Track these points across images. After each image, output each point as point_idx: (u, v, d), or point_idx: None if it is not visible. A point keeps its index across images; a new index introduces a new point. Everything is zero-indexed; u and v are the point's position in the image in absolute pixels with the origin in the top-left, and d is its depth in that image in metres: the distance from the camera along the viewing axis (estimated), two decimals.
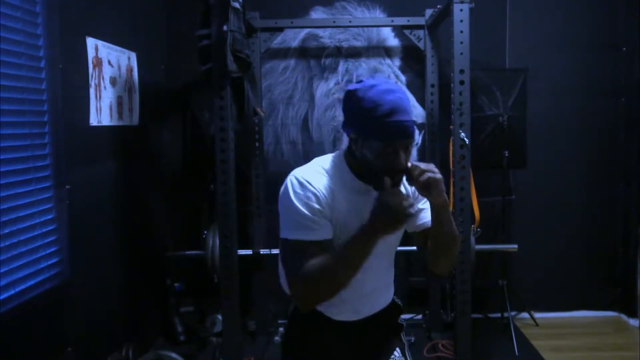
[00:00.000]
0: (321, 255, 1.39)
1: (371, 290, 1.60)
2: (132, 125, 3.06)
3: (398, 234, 1.60)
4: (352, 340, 1.63)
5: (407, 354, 1.73)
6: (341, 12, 3.65)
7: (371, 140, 1.41)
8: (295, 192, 1.43)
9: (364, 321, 1.62)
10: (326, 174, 1.48)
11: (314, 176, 1.46)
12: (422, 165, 1.41)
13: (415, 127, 1.49)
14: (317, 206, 1.42)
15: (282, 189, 1.48)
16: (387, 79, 1.54)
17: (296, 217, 1.41)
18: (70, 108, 2.35)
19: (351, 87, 1.46)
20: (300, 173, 1.47)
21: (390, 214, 1.32)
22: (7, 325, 1.88)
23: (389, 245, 1.58)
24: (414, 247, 3.35)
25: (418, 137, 3.70)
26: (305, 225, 1.41)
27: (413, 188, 1.50)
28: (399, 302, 1.75)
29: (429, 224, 1.53)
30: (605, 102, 3.74)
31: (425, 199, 1.50)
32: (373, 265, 1.48)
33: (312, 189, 1.42)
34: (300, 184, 1.43)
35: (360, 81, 1.47)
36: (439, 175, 1.40)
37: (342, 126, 1.52)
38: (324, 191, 1.44)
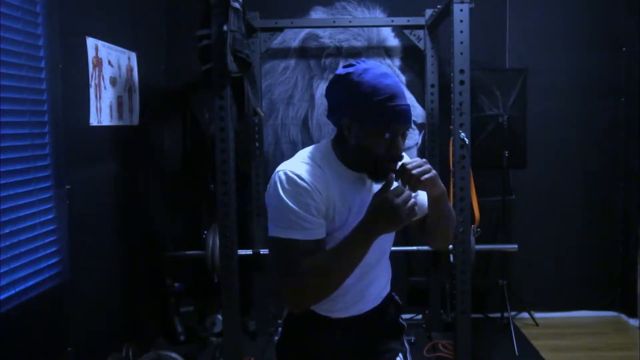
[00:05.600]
0: (315, 254, 1.31)
1: (367, 285, 1.54)
2: (132, 125, 3.06)
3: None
4: (350, 338, 1.57)
5: (408, 359, 1.69)
6: (341, 12, 3.65)
7: (370, 126, 1.35)
8: (284, 188, 1.33)
9: (360, 318, 1.55)
10: (317, 166, 1.39)
11: (304, 169, 1.36)
12: (414, 162, 1.38)
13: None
14: (310, 201, 1.33)
15: (269, 186, 1.39)
16: (376, 62, 1.46)
17: (288, 214, 1.32)
18: (70, 108, 2.35)
19: (341, 71, 1.41)
20: (289, 167, 1.37)
21: (393, 212, 1.26)
22: (7, 325, 1.88)
23: (385, 239, 1.52)
24: (414, 247, 3.38)
25: (418, 137, 3.70)
26: (297, 223, 1.31)
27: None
28: (399, 300, 1.71)
29: (426, 211, 1.53)
30: (605, 102, 3.74)
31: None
32: (370, 260, 1.44)
33: (303, 183, 1.33)
34: (289, 179, 1.33)
35: (350, 65, 1.41)
36: (434, 172, 1.39)
37: (328, 114, 1.48)
38: (317, 184, 1.35)
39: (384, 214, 1.28)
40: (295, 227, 1.32)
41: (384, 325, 1.64)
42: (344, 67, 1.43)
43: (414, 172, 1.36)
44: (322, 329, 1.54)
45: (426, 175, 1.37)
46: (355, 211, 1.40)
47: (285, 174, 1.35)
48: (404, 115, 1.37)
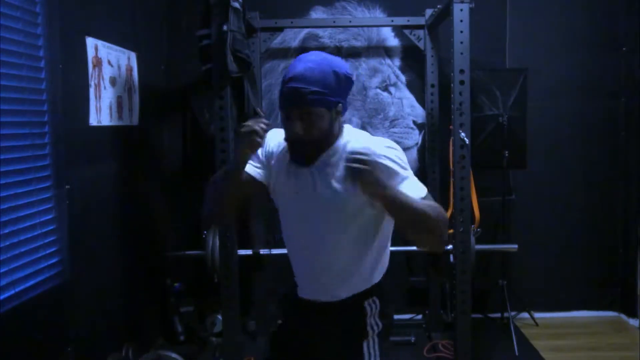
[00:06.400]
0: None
1: (314, 271, 1.55)
2: (132, 125, 3.06)
3: (346, 214, 1.47)
4: (312, 322, 1.61)
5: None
6: (341, 12, 3.65)
7: (279, 108, 1.48)
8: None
9: (318, 306, 1.58)
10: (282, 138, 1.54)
11: (274, 133, 1.59)
12: (359, 153, 1.29)
13: (320, 97, 1.38)
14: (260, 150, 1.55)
15: None
16: (321, 52, 1.47)
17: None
18: (70, 108, 2.35)
19: None
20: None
21: (241, 136, 1.43)
22: (7, 325, 1.88)
23: (332, 223, 1.48)
24: (414, 247, 3.37)
25: (418, 137, 3.70)
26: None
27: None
28: (368, 306, 1.56)
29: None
30: (605, 102, 3.74)
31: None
32: (311, 238, 1.51)
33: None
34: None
35: None
36: (366, 167, 1.26)
37: None
38: (269, 148, 1.57)
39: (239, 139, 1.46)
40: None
41: (341, 324, 1.57)
42: None
43: (354, 154, 1.31)
44: (293, 305, 1.65)
45: (356, 165, 1.27)
46: (296, 189, 1.52)
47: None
48: (295, 96, 1.38)
